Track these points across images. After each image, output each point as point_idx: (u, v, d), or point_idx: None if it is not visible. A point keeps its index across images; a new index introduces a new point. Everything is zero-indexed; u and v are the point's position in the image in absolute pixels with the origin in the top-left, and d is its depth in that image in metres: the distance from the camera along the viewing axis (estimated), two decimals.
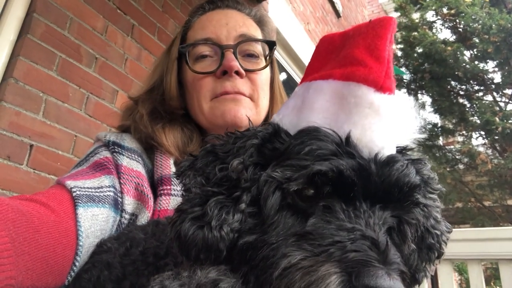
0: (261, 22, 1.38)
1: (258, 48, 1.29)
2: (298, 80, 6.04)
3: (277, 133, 0.61)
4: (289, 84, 5.77)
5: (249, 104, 1.24)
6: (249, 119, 0.70)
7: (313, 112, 0.60)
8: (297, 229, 0.53)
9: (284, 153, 0.57)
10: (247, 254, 0.54)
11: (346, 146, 0.55)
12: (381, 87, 0.58)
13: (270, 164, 0.57)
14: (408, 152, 0.64)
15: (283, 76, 5.71)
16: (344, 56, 0.62)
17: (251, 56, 1.27)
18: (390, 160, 0.55)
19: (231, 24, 1.27)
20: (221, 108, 1.21)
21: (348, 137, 0.55)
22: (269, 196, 0.54)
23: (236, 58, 1.21)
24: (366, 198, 0.54)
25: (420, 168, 0.62)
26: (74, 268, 0.86)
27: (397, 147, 0.62)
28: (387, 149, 0.58)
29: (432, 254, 0.64)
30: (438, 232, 0.64)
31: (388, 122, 0.58)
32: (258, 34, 1.33)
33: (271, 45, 1.32)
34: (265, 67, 1.29)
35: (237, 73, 1.21)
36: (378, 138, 0.56)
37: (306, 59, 5.84)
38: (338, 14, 7.59)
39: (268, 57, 1.32)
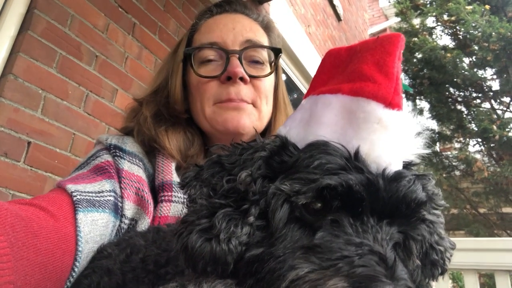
0: (268, 28, 1.37)
1: (264, 54, 1.29)
2: (298, 82, 6.05)
3: (285, 146, 0.60)
4: (289, 86, 5.77)
5: (252, 110, 1.24)
6: (255, 131, 0.70)
7: (321, 126, 0.60)
8: (305, 242, 0.53)
9: (292, 166, 0.57)
10: (254, 266, 0.54)
11: (355, 161, 0.55)
12: (390, 103, 0.58)
13: (278, 177, 0.57)
14: (413, 167, 0.64)
15: (282, 78, 5.70)
16: (352, 71, 0.63)
17: (256, 62, 1.27)
18: (398, 175, 0.56)
19: (237, 29, 1.26)
20: (223, 115, 1.20)
21: (357, 152, 0.55)
22: (278, 209, 0.54)
23: (241, 63, 1.21)
24: (374, 213, 0.54)
25: (425, 184, 0.62)
26: (73, 274, 0.85)
27: (403, 162, 0.62)
28: (395, 165, 0.58)
29: (435, 270, 0.64)
30: (442, 249, 0.64)
31: (396, 138, 0.59)
32: (265, 40, 1.32)
33: (276, 52, 1.32)
34: (270, 74, 1.28)
35: (242, 79, 1.21)
36: (386, 153, 0.57)
37: (306, 61, 5.85)
38: (339, 18, 7.60)
39: (273, 64, 1.31)
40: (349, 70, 0.64)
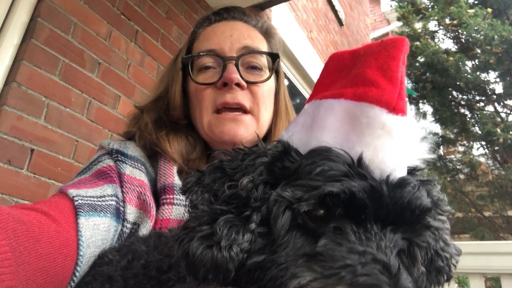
0: (267, 34, 1.37)
1: (262, 60, 1.29)
2: (300, 87, 6.05)
3: (287, 151, 0.60)
4: (291, 91, 5.77)
5: (250, 121, 1.23)
6: (257, 136, 0.69)
7: (324, 131, 0.59)
8: (307, 249, 0.52)
9: (294, 173, 0.56)
10: (255, 274, 0.53)
11: (358, 167, 0.54)
12: (394, 109, 0.57)
13: (279, 183, 0.56)
14: (418, 173, 0.64)
15: (285, 83, 5.70)
16: (355, 76, 0.62)
17: (255, 68, 1.27)
18: (402, 182, 0.55)
19: (235, 36, 1.27)
20: (220, 127, 1.20)
21: (360, 158, 0.54)
22: (279, 216, 0.53)
23: (238, 70, 1.21)
24: (377, 220, 0.53)
25: (430, 190, 0.61)
26: (74, 279, 0.85)
27: (407, 167, 0.62)
28: (399, 171, 0.57)
29: (441, 277, 0.63)
30: (448, 255, 0.63)
31: (400, 143, 0.58)
32: (264, 46, 1.32)
33: (274, 57, 1.31)
34: (267, 79, 1.27)
35: (238, 85, 1.21)
36: (390, 159, 0.56)
37: (308, 66, 5.86)
38: (340, 23, 7.61)
39: (271, 69, 1.31)
40: (352, 75, 0.63)
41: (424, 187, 0.58)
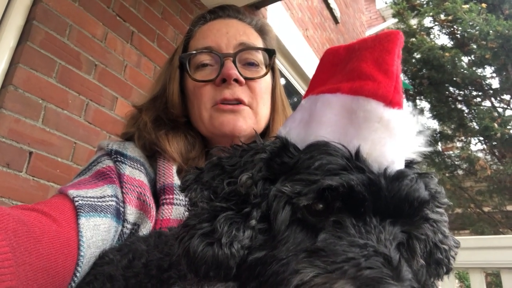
0: (262, 31, 1.39)
1: (258, 56, 1.30)
2: (296, 85, 6.05)
3: (285, 147, 0.60)
4: (288, 90, 5.78)
5: (248, 113, 1.24)
6: (256, 132, 0.70)
7: (321, 126, 0.60)
8: (307, 244, 0.52)
9: (293, 168, 0.56)
10: (256, 269, 0.53)
11: (356, 161, 0.54)
12: (390, 102, 0.57)
13: (278, 179, 0.57)
14: (415, 166, 0.64)
15: (281, 82, 5.69)
16: (351, 70, 0.62)
17: (251, 64, 1.28)
18: (400, 175, 0.55)
19: (231, 33, 1.28)
20: (219, 119, 1.21)
21: (357, 152, 0.55)
22: (279, 211, 0.54)
23: (236, 66, 1.22)
24: (376, 213, 0.53)
25: (427, 182, 0.61)
26: (75, 279, 0.85)
27: (405, 160, 0.62)
28: (397, 164, 0.57)
29: (440, 269, 0.63)
30: (446, 247, 0.63)
31: (397, 136, 0.58)
32: (259, 43, 1.34)
33: (271, 53, 1.33)
34: (265, 75, 1.29)
35: (237, 81, 1.22)
36: (387, 152, 0.56)
37: (304, 64, 5.86)
38: (336, 20, 7.62)
39: (268, 65, 1.32)
40: (348, 69, 0.63)
41: (421, 180, 0.58)
